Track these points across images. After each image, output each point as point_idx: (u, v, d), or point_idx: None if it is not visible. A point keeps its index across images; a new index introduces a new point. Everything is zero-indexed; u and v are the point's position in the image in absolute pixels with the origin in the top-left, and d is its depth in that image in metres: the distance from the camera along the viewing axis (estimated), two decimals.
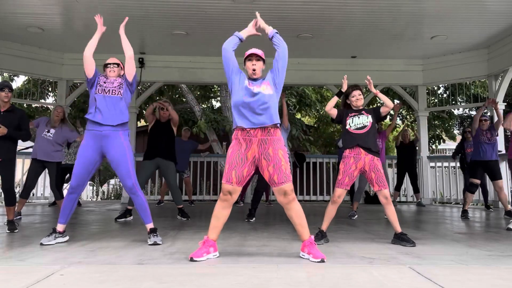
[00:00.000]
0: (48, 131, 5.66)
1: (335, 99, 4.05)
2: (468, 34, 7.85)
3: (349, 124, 3.92)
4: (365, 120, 3.90)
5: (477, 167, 6.26)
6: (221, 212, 3.17)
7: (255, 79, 3.28)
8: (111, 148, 3.72)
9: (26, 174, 5.60)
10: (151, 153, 5.65)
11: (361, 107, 4.00)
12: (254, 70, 3.25)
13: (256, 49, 3.30)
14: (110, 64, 3.91)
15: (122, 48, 3.87)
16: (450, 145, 24.45)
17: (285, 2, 6.46)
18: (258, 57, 3.27)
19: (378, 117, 4.02)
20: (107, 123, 3.72)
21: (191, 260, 2.98)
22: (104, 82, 3.83)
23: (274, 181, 3.14)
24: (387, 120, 14.66)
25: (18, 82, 14.91)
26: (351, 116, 3.94)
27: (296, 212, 3.15)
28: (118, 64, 3.94)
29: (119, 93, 3.81)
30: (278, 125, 3.22)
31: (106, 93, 3.78)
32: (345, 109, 4.07)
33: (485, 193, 7.95)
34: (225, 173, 3.17)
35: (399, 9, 6.69)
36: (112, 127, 3.72)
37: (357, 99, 3.94)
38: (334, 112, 4.00)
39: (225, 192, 3.15)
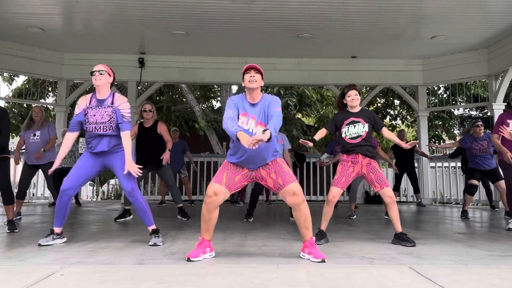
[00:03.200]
0: (34, 135, 5.68)
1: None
2: (468, 34, 7.84)
3: (345, 133, 3.93)
4: (361, 129, 3.89)
5: (475, 171, 6.26)
6: (208, 215, 3.10)
7: (253, 104, 3.12)
8: (113, 158, 3.72)
9: (20, 176, 5.63)
10: (140, 162, 5.46)
11: (358, 108, 4.00)
12: (252, 81, 3.08)
13: (254, 64, 3.17)
14: (95, 72, 3.70)
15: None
16: None
17: (285, 2, 6.45)
18: (256, 70, 3.14)
19: (374, 129, 4.02)
20: (101, 150, 3.71)
21: (188, 260, 2.99)
22: (93, 115, 3.66)
23: (279, 184, 3.10)
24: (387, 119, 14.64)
25: (18, 82, 14.90)
26: (346, 124, 3.93)
27: (304, 214, 3.12)
28: (103, 72, 3.70)
29: (111, 128, 3.66)
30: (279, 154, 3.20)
31: (92, 130, 3.67)
32: (340, 112, 4.04)
33: (489, 193, 7.89)
34: (216, 174, 3.18)
35: (399, 9, 6.68)
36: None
37: (353, 99, 3.93)
38: (324, 134, 3.99)
39: (209, 193, 3.07)
